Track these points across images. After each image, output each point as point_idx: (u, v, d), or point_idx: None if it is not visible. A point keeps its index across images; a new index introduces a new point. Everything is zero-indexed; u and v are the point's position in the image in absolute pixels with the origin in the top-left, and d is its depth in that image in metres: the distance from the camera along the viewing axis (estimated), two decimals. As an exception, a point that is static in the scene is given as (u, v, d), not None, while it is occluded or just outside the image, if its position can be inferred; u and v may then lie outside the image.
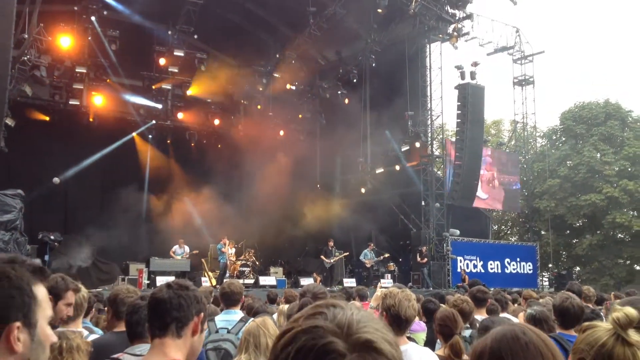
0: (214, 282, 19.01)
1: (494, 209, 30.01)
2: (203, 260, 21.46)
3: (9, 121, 17.76)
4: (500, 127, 45.32)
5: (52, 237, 18.78)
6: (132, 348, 2.99)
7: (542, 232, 32.56)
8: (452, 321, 4.39)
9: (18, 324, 1.35)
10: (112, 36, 20.86)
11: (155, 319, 2.39)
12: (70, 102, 21.44)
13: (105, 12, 20.81)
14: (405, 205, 25.64)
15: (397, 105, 24.13)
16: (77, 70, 20.81)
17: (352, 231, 25.16)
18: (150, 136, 24.56)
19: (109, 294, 4.21)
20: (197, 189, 22.80)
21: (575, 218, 32.13)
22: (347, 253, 23.23)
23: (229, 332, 4.97)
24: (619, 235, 31.85)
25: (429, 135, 25.53)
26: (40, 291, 1.44)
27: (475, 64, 23.89)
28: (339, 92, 25.39)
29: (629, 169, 31.04)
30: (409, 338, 4.02)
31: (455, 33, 24.51)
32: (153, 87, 23.20)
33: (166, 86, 23.00)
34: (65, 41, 19.92)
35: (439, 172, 26.51)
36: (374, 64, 24.13)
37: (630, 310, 1.73)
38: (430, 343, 5.05)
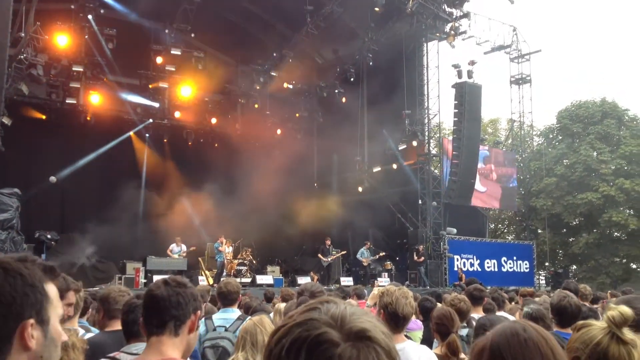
0: (211, 280, 19.01)
1: (490, 208, 30.04)
2: (200, 259, 21.45)
3: (6, 120, 17.76)
4: (497, 126, 45.38)
5: (48, 236, 18.76)
6: (128, 347, 2.99)
7: (539, 231, 32.63)
8: (449, 320, 4.40)
9: (32, 321, 1.36)
10: (109, 35, 20.79)
11: (153, 317, 2.37)
12: (67, 101, 21.36)
13: (102, 11, 20.73)
14: (403, 203, 25.65)
15: (394, 103, 24.11)
16: (74, 68, 20.73)
17: (349, 230, 25.17)
18: (147, 135, 24.52)
19: (100, 294, 4.21)
20: (194, 188, 22.77)
21: (572, 217, 32.21)
22: (345, 252, 23.25)
23: (226, 330, 4.98)
24: (615, 233, 31.94)
25: (426, 134, 25.54)
26: (52, 289, 1.45)
27: (472, 63, 23.92)
28: (336, 91, 25.38)
29: (625, 168, 31.11)
30: (406, 336, 4.02)
31: (452, 32, 24.52)
32: (150, 85, 23.14)
33: (163, 85, 22.94)
34: (62, 40, 19.85)
35: (436, 171, 26.53)
36: (371, 63, 24.13)
37: (625, 309, 1.74)
38: (426, 342, 5.05)
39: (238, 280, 13.89)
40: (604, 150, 31.45)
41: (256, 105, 26.25)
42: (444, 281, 23.60)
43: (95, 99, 22.17)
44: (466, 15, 25.20)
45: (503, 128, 43.70)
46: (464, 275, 22.43)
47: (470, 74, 23.69)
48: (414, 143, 24.56)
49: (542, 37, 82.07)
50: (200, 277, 19.29)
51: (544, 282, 32.06)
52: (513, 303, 8.56)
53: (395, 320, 3.62)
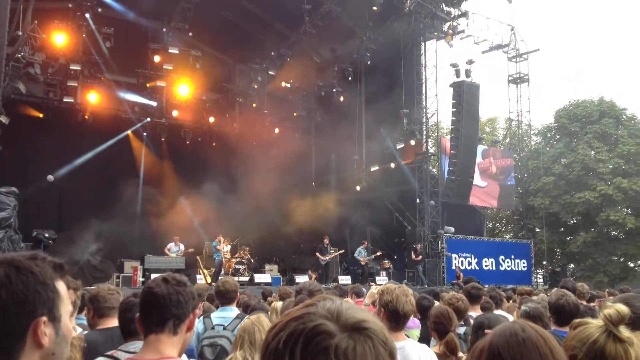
0: (209, 279, 19.02)
1: (488, 207, 30.08)
2: (198, 257, 21.44)
3: (3, 118, 17.74)
4: (495, 125, 45.40)
5: (46, 235, 18.76)
6: (126, 345, 2.98)
7: (537, 230, 32.66)
8: (447, 318, 4.40)
9: (44, 318, 1.37)
10: (106, 33, 20.76)
11: (153, 315, 2.35)
12: (64, 100, 21.34)
13: (99, 9, 20.71)
14: (400, 202, 25.66)
15: (392, 102, 24.12)
16: (71, 67, 20.70)
17: (347, 229, 25.20)
18: (145, 134, 24.50)
19: (89, 294, 4.22)
20: (191, 187, 22.76)
21: (570, 215, 32.25)
22: (342, 251, 23.27)
23: (224, 328, 4.99)
24: (613, 232, 31.98)
25: (424, 133, 25.57)
26: (62, 287, 1.47)
27: (470, 62, 23.96)
28: (334, 90, 25.39)
29: (623, 167, 31.14)
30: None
31: (450, 31, 24.54)
32: (148, 84, 23.10)
33: (161, 84, 22.91)
34: (59, 38, 19.82)
35: (434, 170, 26.55)
36: (369, 62, 24.16)
37: (622, 307, 1.74)
38: (424, 340, 5.06)
39: (236, 279, 13.90)
40: (602, 149, 31.49)
41: (254, 104, 26.24)
42: (441, 280, 23.63)
43: (93, 98, 22.14)
44: (464, 14, 25.22)
45: (501, 127, 43.76)
46: (461, 274, 22.46)
47: (468, 73, 23.72)
48: (412, 142, 24.59)
49: (540, 36, 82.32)
50: (198, 276, 19.28)
51: (541, 280, 32.11)
52: (511, 302, 8.57)
53: (396, 319, 3.61)
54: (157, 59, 22.33)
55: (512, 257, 27.38)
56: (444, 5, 24.40)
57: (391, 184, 25.91)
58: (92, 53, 21.29)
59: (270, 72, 25.29)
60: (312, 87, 26.40)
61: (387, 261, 23.54)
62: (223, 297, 5.32)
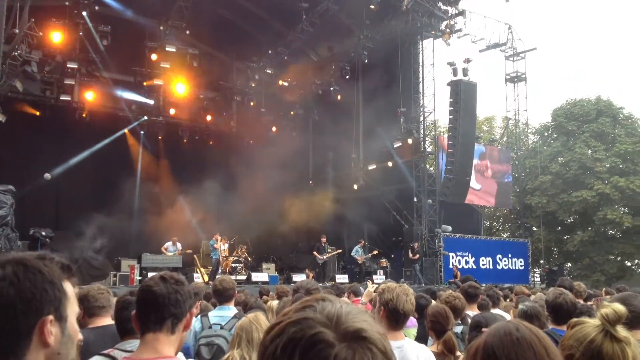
0: (206, 278, 19.00)
1: (486, 206, 30.11)
2: (195, 256, 21.42)
3: (0, 117, 17.70)
4: (492, 124, 45.44)
5: (43, 233, 18.70)
6: (122, 344, 2.98)
7: (534, 229, 32.70)
8: (444, 317, 4.40)
9: (51, 317, 1.37)
10: (103, 31, 20.75)
11: (151, 313, 2.33)
12: (61, 98, 21.32)
13: (96, 7, 20.71)
14: (398, 201, 25.66)
15: (389, 101, 24.12)
16: (68, 65, 20.69)
17: (344, 227, 25.19)
18: (142, 132, 24.50)
19: (79, 294, 4.21)
20: (189, 185, 22.74)
21: (567, 214, 32.29)
22: (340, 250, 23.27)
23: (222, 327, 4.97)
24: (610, 231, 32.03)
25: (422, 131, 25.58)
26: (69, 287, 1.47)
27: (467, 61, 23.95)
28: (332, 89, 25.37)
29: (620, 166, 31.19)
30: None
31: (447, 30, 24.54)
32: (145, 83, 23.08)
33: (158, 82, 22.89)
34: (56, 36, 19.81)
35: (431, 169, 26.56)
36: (366, 61, 24.13)
37: (619, 307, 1.74)
38: (421, 339, 5.06)
39: (233, 277, 13.91)
40: (599, 148, 31.54)
41: (251, 103, 26.26)
42: (439, 279, 23.64)
43: (90, 96, 22.12)
44: (461, 13, 25.23)
45: (498, 126, 43.80)
46: (459, 273, 22.50)
47: (465, 71, 23.72)
48: (410, 141, 24.59)
49: (538, 35, 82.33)
50: (195, 275, 19.26)
51: (538, 279, 32.15)
52: (508, 300, 8.58)
53: (396, 317, 3.61)
54: (154, 57, 22.32)
55: (510, 256, 27.40)
56: (441, 4, 24.42)
57: (388, 183, 25.92)
58: (89, 51, 21.29)
59: (267, 71, 25.29)
60: (309, 85, 26.38)
61: (384, 260, 23.54)
62: (221, 296, 5.31)
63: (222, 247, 19.65)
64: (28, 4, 16.94)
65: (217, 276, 13.64)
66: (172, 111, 24.50)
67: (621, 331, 1.75)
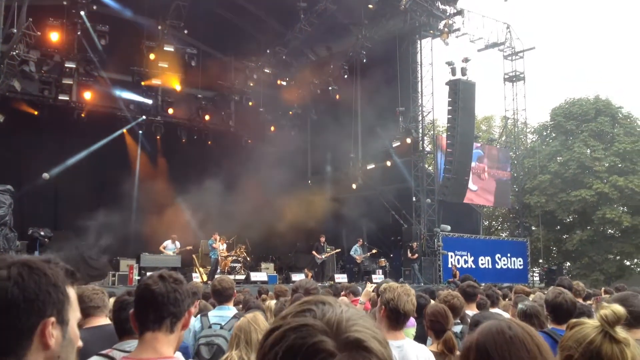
0: (205, 277, 18.99)
1: (484, 205, 30.11)
2: (194, 256, 21.41)
3: (-2, 116, 17.69)
4: (491, 123, 45.46)
5: (42, 233, 18.68)
6: (120, 344, 2.97)
7: (533, 228, 32.70)
8: (443, 317, 4.39)
9: (53, 319, 1.37)
10: (101, 31, 20.70)
11: (150, 313, 2.32)
12: (59, 97, 21.29)
13: (94, 7, 20.67)
14: (397, 200, 25.66)
15: (388, 100, 24.11)
16: (66, 65, 20.65)
17: (343, 227, 25.17)
18: (140, 132, 24.44)
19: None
20: (187, 185, 22.71)
21: (566, 214, 32.31)
22: (339, 250, 23.28)
23: (222, 327, 4.97)
24: (609, 230, 32.06)
25: (420, 131, 25.57)
26: (72, 293, 1.47)
27: (466, 60, 23.95)
28: (330, 88, 25.37)
29: (619, 165, 31.20)
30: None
31: (446, 29, 24.55)
32: (143, 82, 23.05)
33: (156, 81, 22.86)
34: (54, 36, 19.81)
35: (430, 168, 26.56)
36: (365, 60, 24.13)
37: (618, 308, 1.74)
38: (420, 339, 5.05)
39: (232, 277, 13.89)
40: (598, 147, 31.55)
41: (250, 102, 26.24)
42: (438, 278, 23.64)
43: (88, 96, 22.09)
44: (460, 12, 25.24)
45: (497, 125, 43.82)
46: (458, 272, 22.51)
47: (464, 71, 23.72)
48: (408, 140, 24.58)
49: (536, 35, 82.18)
50: (194, 274, 19.26)
51: (537, 279, 32.15)
52: (507, 300, 8.58)
53: (396, 317, 3.61)
54: (152, 56, 22.26)
55: (509, 255, 27.42)
56: (439, 3, 24.44)
57: (387, 182, 25.92)
58: (87, 51, 21.26)
59: (266, 70, 25.27)
60: (308, 85, 26.36)
61: (383, 259, 23.54)
62: (220, 295, 5.30)
63: (221, 246, 19.64)
64: (26, 4, 16.92)
65: (216, 276, 13.63)
66: (170, 111, 24.47)
67: (620, 332, 1.74)
